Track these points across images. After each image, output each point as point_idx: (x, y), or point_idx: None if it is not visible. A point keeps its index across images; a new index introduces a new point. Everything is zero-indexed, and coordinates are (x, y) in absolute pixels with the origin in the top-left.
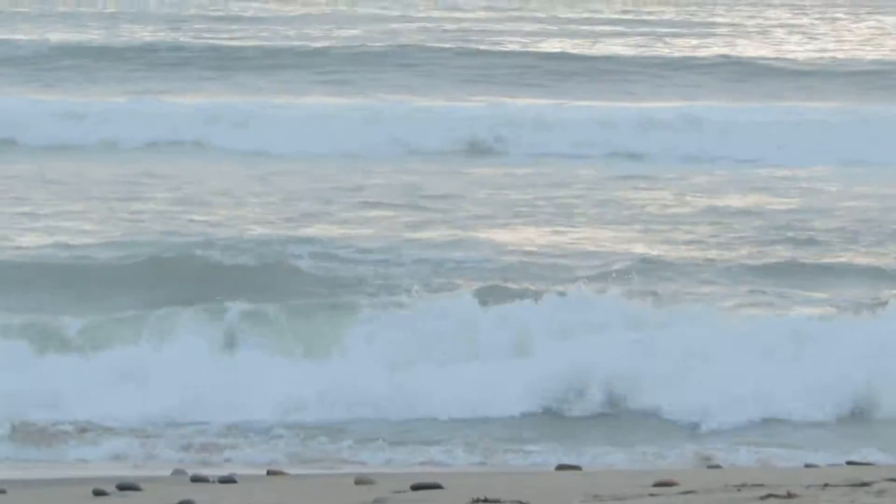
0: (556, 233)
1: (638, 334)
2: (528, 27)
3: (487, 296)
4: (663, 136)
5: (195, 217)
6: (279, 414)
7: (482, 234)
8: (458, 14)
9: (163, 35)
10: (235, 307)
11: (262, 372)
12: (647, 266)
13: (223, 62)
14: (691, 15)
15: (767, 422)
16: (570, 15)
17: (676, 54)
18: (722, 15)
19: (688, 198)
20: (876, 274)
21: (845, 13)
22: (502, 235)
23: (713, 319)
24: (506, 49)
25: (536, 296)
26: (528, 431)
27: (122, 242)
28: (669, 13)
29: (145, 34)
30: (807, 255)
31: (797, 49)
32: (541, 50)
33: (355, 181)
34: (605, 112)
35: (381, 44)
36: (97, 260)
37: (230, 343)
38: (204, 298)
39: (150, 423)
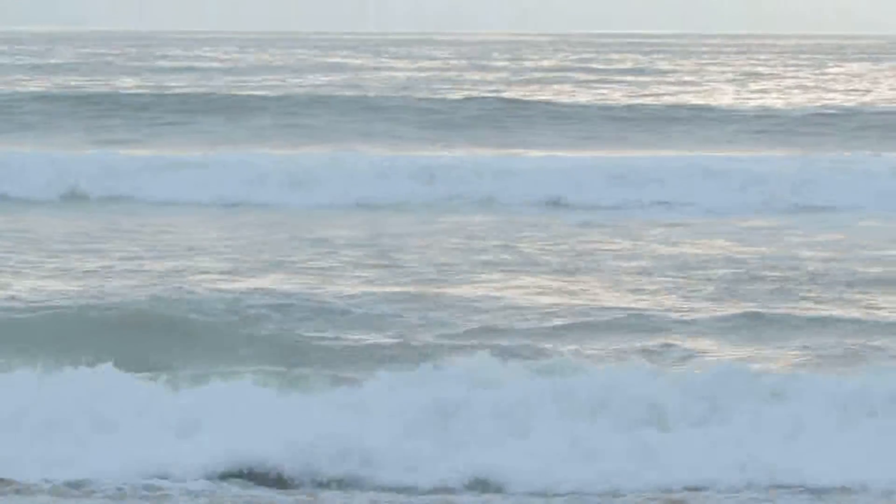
0: (520, 285)
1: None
2: (491, 76)
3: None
4: (626, 185)
5: (155, 269)
6: (234, 466)
7: (445, 289)
8: (423, 63)
9: (129, 82)
10: (194, 372)
11: (219, 424)
12: (611, 318)
13: (189, 107)
14: (651, 63)
15: (742, 471)
16: (531, 64)
17: (637, 101)
18: (682, 64)
19: (651, 247)
20: (843, 325)
21: (807, 60)
22: (467, 289)
23: (680, 374)
24: (468, 95)
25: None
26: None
27: (76, 297)
28: (629, 62)
29: (105, 85)
30: (772, 306)
31: (756, 96)
32: (503, 96)
33: (319, 232)
34: (566, 161)
35: (346, 92)
36: (49, 314)
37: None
38: (159, 354)
39: (117, 480)
